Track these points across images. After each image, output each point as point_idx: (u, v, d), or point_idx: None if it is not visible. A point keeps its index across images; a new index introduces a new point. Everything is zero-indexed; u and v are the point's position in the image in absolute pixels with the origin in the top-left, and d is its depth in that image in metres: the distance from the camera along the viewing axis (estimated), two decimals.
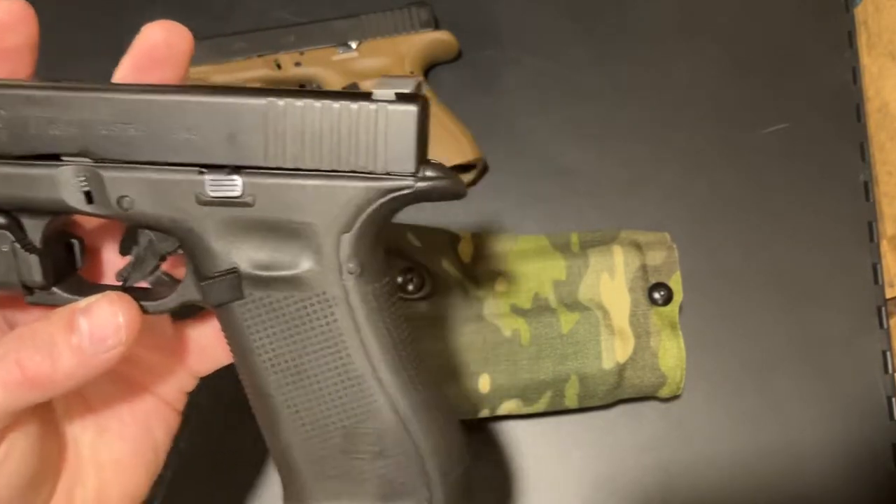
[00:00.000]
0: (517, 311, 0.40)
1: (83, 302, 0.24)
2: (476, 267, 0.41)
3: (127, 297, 0.25)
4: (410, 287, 0.39)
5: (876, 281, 0.44)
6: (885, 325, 0.43)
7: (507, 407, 0.39)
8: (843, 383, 0.42)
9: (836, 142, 0.47)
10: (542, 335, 0.39)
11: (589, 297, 0.40)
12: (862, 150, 0.47)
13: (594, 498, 0.41)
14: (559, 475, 0.42)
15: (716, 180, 0.47)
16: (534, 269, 0.41)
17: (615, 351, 0.39)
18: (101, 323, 0.24)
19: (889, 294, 0.44)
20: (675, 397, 0.41)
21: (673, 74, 0.49)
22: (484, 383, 0.38)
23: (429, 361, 0.38)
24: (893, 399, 0.42)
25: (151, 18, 0.53)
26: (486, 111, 0.48)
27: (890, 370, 0.42)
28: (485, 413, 0.39)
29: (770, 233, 0.45)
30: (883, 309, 0.43)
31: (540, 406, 0.39)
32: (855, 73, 0.48)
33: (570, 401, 0.39)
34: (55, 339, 0.24)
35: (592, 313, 0.39)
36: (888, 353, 0.43)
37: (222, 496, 0.43)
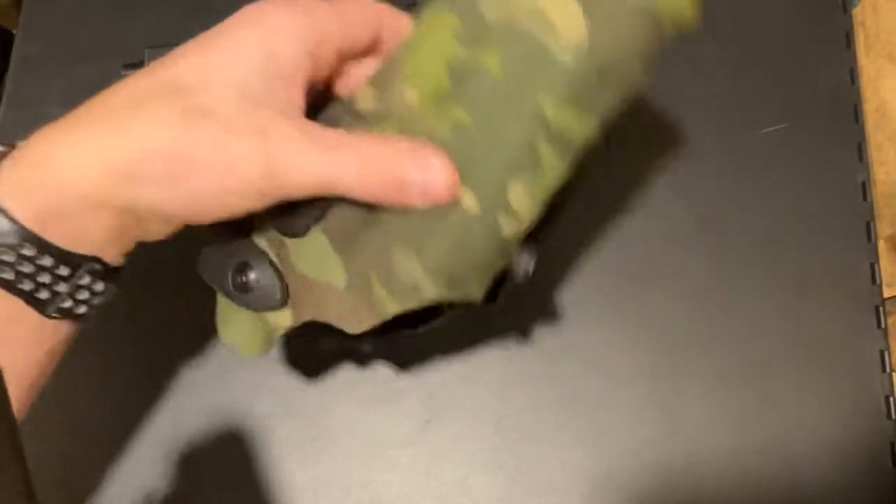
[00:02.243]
0: (439, 100, 0.30)
1: None
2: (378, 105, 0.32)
3: None
4: None
5: (874, 281, 0.44)
6: (883, 325, 0.43)
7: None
8: (841, 383, 0.42)
9: (834, 142, 0.47)
10: (477, 97, 0.29)
11: (503, 13, 0.29)
12: (859, 150, 0.47)
13: (593, 497, 0.41)
14: (559, 475, 0.42)
15: (714, 180, 0.47)
16: (427, 50, 0.30)
17: (566, 31, 0.27)
18: None
19: (887, 294, 0.44)
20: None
21: (671, 74, 0.49)
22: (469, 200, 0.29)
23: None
24: (891, 398, 0.42)
25: (154, 19, 0.54)
26: None
27: (888, 369, 0.42)
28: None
29: (767, 232, 0.45)
30: (881, 309, 0.44)
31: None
32: (852, 74, 0.48)
33: (564, 121, 0.28)
34: None
35: (515, 30, 0.28)
36: (886, 353, 0.43)
37: (222, 495, 0.43)
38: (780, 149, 0.47)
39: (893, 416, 0.42)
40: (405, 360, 0.44)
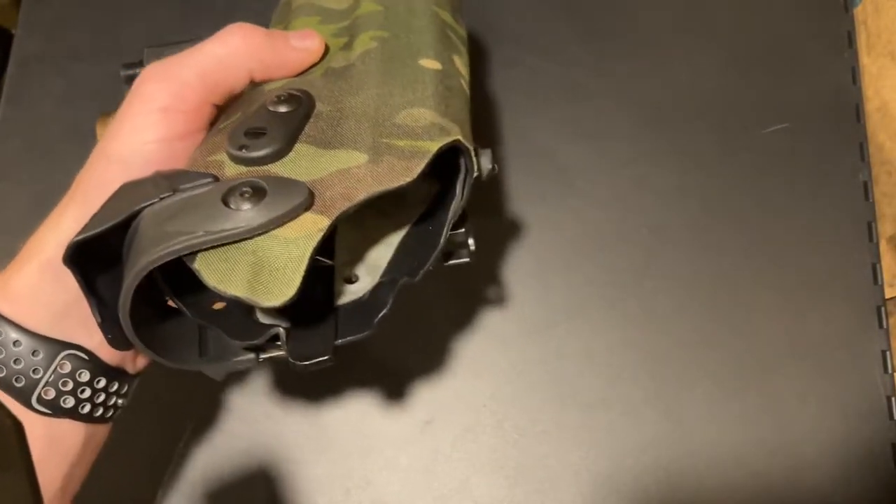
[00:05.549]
0: (343, 47, 0.35)
1: None
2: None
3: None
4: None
5: (875, 281, 0.44)
6: (885, 325, 0.43)
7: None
8: (843, 383, 0.42)
9: (836, 142, 0.47)
10: (378, 22, 0.36)
11: None
12: (861, 149, 0.47)
13: (594, 498, 0.41)
14: (559, 475, 0.42)
15: (716, 180, 0.47)
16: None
17: None
18: None
19: (888, 294, 0.44)
20: None
21: (673, 74, 0.49)
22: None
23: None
24: (893, 399, 0.42)
25: (152, 19, 0.53)
26: (485, 111, 0.48)
27: (889, 370, 0.42)
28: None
29: (769, 232, 0.45)
30: (882, 309, 0.43)
31: None
32: (854, 74, 0.48)
33: None
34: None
35: None
36: (888, 353, 0.43)
37: (221, 496, 0.43)
38: (782, 148, 0.47)
39: (895, 417, 0.42)
40: (405, 360, 0.44)
